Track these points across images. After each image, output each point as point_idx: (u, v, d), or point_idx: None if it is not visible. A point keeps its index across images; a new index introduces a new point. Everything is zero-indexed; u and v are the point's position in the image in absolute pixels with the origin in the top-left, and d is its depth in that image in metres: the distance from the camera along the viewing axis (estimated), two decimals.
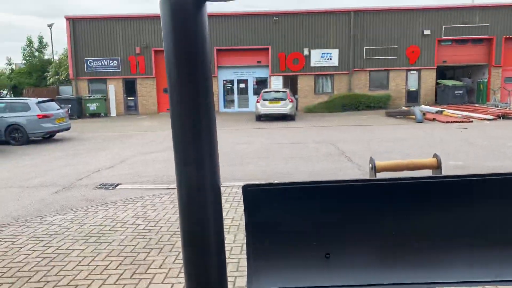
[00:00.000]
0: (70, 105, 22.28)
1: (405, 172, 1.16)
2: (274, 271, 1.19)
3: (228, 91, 25.68)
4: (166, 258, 3.97)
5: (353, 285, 1.18)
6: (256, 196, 1.17)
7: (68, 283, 3.50)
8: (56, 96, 24.20)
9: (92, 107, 23.68)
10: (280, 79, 24.79)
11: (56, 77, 31.56)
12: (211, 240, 1.07)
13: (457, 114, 17.47)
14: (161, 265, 3.82)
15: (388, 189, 1.15)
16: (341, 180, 1.14)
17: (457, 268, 1.19)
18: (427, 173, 1.28)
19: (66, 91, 26.95)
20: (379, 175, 1.15)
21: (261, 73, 25.35)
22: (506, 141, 10.74)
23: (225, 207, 5.55)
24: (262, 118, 18.94)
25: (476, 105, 22.51)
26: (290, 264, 1.20)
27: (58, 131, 13.89)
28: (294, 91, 24.13)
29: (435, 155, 1.05)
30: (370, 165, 1.12)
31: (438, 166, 1.07)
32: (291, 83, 24.80)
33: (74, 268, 3.80)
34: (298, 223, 1.19)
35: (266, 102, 18.36)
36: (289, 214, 1.19)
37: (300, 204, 1.17)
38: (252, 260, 1.19)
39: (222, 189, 6.50)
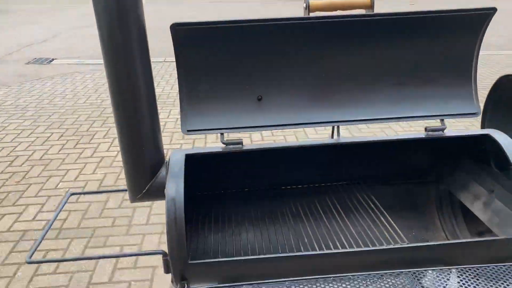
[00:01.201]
0: None
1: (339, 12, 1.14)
2: (206, 113, 1.20)
3: None
4: (110, 129, 3.93)
5: (283, 125, 1.23)
6: (186, 36, 1.11)
7: (8, 154, 3.43)
8: None
9: None
10: None
11: None
12: (142, 94, 1.05)
13: None
14: (105, 135, 3.81)
15: (320, 28, 1.13)
16: (273, 18, 1.10)
17: (383, 106, 1.25)
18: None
19: None
20: (313, 15, 1.12)
21: None
22: None
23: (170, 81, 5.43)
24: None
25: None
26: (222, 106, 1.21)
27: None
28: None
29: None
30: (304, 4, 1.08)
31: (371, 6, 1.05)
32: None
33: (12, 140, 3.70)
34: (230, 64, 1.17)
35: None
36: (221, 56, 1.16)
37: (231, 45, 1.14)
38: (185, 103, 1.19)
39: (166, 64, 6.29)
